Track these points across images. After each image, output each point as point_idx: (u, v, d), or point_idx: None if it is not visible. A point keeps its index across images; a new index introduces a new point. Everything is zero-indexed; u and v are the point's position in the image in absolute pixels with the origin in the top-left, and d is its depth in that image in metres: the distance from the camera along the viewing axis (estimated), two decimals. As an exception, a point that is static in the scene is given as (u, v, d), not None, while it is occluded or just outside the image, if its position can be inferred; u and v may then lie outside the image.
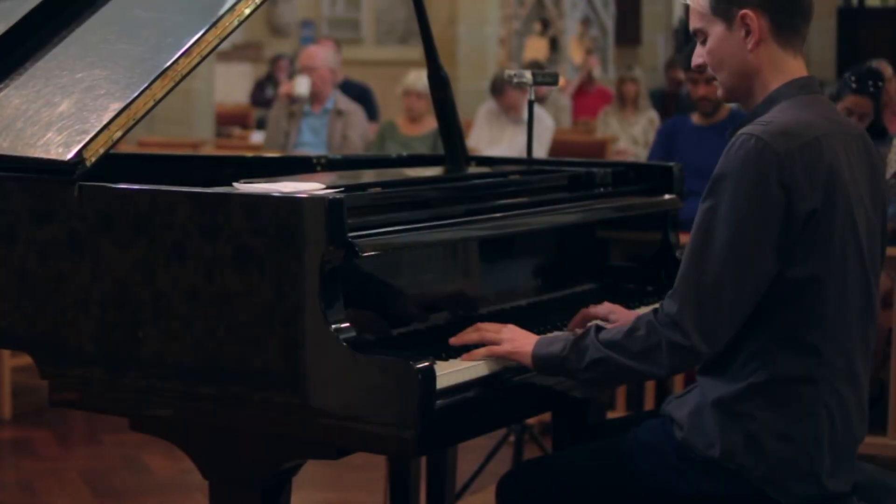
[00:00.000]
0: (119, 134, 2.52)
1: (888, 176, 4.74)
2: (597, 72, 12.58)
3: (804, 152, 2.32)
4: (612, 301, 2.74)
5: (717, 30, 2.44)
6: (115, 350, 2.44)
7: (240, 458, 2.38)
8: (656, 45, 17.62)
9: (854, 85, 5.13)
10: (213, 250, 2.33)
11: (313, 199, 2.26)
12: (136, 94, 2.52)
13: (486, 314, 2.65)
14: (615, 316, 2.68)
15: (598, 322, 2.65)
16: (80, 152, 2.47)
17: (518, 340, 2.44)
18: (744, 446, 2.37)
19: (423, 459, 3.38)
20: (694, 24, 2.49)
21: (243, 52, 15.87)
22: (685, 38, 14.84)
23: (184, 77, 2.58)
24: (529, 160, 3.27)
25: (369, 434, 2.22)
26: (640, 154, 8.44)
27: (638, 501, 2.50)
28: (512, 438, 4.42)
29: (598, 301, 2.73)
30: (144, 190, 2.44)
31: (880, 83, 5.24)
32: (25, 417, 5.56)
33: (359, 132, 7.29)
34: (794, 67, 2.45)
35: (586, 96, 11.57)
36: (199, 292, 2.35)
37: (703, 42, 2.48)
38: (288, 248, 2.27)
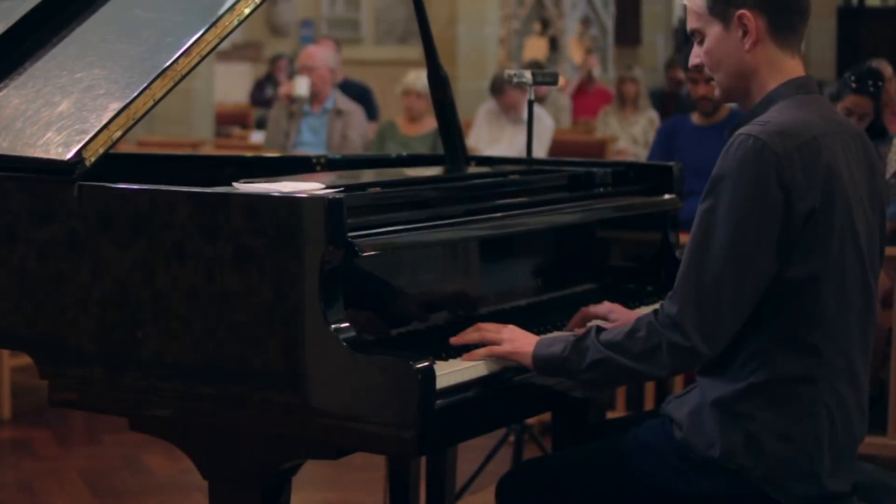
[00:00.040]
0: (119, 134, 2.52)
1: (888, 175, 4.74)
2: (597, 71, 12.58)
3: (802, 152, 2.32)
4: (612, 301, 2.74)
5: (714, 30, 2.44)
6: (115, 350, 2.44)
7: (239, 458, 2.38)
8: (656, 44, 17.62)
9: (854, 85, 5.13)
10: (212, 250, 2.33)
11: (313, 199, 2.26)
12: (135, 94, 2.52)
13: (485, 314, 2.65)
14: (615, 315, 2.68)
15: (598, 322, 2.65)
16: (79, 152, 2.47)
17: (518, 341, 2.44)
18: (744, 446, 2.37)
19: (423, 459, 3.37)
20: (691, 24, 2.49)
21: (243, 51, 15.87)
22: (685, 38, 14.79)
23: (183, 77, 2.58)
24: (529, 160, 3.27)
25: (369, 434, 2.22)
26: (639, 154, 8.44)
27: (638, 501, 2.50)
28: (512, 438, 4.41)
29: (598, 301, 2.73)
30: (144, 190, 2.44)
31: (880, 83, 5.24)
32: (25, 417, 5.56)
33: (358, 132, 7.29)
34: (791, 67, 2.45)
35: (586, 96, 11.57)
36: (199, 292, 2.35)
37: (701, 42, 2.48)
38: (288, 248, 2.27)
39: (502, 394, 2.45)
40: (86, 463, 4.99)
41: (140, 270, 2.41)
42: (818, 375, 2.36)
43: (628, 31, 17.01)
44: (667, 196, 3.20)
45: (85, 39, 2.77)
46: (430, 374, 2.18)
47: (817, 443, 2.37)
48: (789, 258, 2.32)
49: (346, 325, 2.24)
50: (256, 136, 8.93)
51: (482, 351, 2.43)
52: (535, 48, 14.03)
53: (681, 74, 9.09)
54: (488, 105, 7.99)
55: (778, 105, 2.41)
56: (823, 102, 2.49)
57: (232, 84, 14.69)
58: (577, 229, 3.00)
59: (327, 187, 2.42)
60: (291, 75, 9.66)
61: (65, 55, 2.74)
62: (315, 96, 7.29)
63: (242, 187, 2.43)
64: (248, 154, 5.72)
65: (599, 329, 2.41)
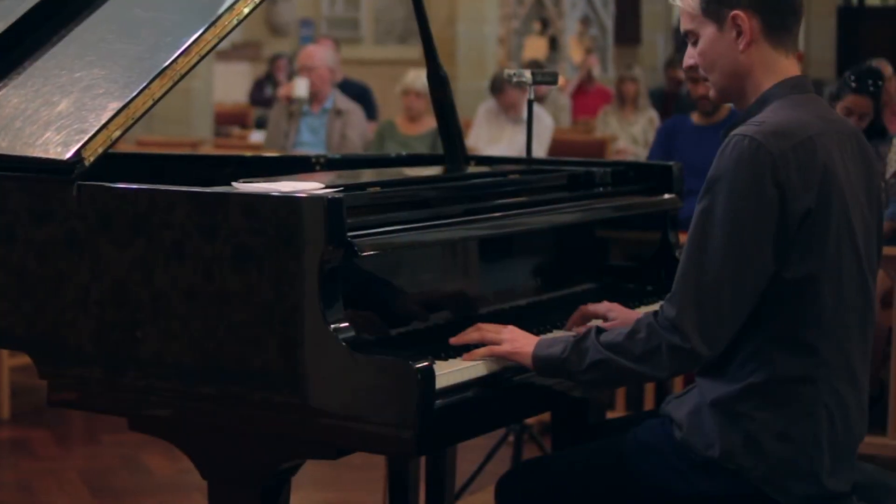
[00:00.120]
0: (118, 133, 2.51)
1: (888, 175, 4.74)
2: (596, 71, 12.58)
3: (798, 152, 2.32)
4: (612, 301, 2.74)
5: (708, 31, 2.44)
6: (114, 350, 2.44)
7: (239, 458, 2.37)
8: (656, 44, 17.62)
9: (854, 84, 5.13)
10: (211, 250, 2.33)
11: (312, 199, 2.26)
12: (134, 94, 2.52)
13: (485, 314, 2.65)
14: (614, 314, 2.68)
15: (598, 322, 2.65)
16: (78, 152, 2.47)
17: (518, 341, 2.44)
18: (743, 446, 2.37)
19: (423, 459, 3.37)
20: (685, 25, 2.49)
21: (242, 51, 15.86)
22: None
23: (183, 76, 2.58)
24: (529, 159, 3.27)
25: (368, 434, 2.22)
26: (639, 153, 8.43)
27: (637, 501, 2.50)
28: (511, 438, 4.42)
29: (598, 301, 2.73)
30: (143, 189, 2.43)
31: (880, 82, 5.24)
32: (24, 417, 5.55)
33: (358, 131, 7.28)
34: (786, 67, 2.45)
35: (586, 96, 11.57)
36: (198, 292, 2.34)
37: (695, 43, 2.48)
38: (287, 248, 2.27)
39: (502, 394, 2.44)
40: (85, 463, 4.99)
41: (139, 270, 2.40)
42: (817, 375, 2.36)
43: (628, 30, 17.02)
44: (666, 196, 3.19)
45: (84, 39, 2.77)
46: (429, 373, 2.18)
47: (817, 443, 2.37)
48: (786, 258, 2.32)
49: (346, 324, 2.24)
50: (256, 136, 8.93)
51: (482, 351, 2.43)
52: (535, 48, 14.04)
53: (681, 74, 9.09)
54: (488, 105, 7.99)
55: (773, 105, 2.41)
56: (819, 102, 2.49)
57: (231, 84, 14.69)
58: (577, 229, 3.00)
59: (327, 187, 2.42)
60: (291, 75, 9.66)
61: (64, 54, 2.74)
62: (314, 96, 7.29)
63: (242, 187, 2.43)
64: (248, 154, 5.72)
65: (599, 330, 2.41)
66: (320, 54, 7.51)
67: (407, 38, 15.06)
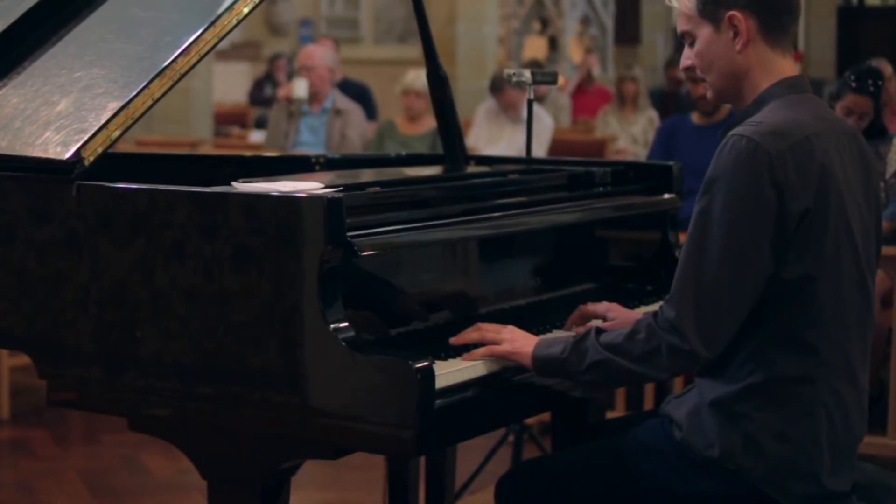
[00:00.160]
0: (117, 133, 2.51)
1: (888, 175, 4.74)
2: (596, 71, 12.57)
3: (795, 152, 2.32)
4: (612, 300, 2.74)
5: (704, 32, 2.44)
6: (114, 350, 2.44)
7: (239, 458, 2.37)
8: (656, 44, 17.62)
9: (854, 84, 5.13)
10: (211, 250, 2.33)
11: (312, 199, 2.26)
12: (134, 94, 2.52)
13: (485, 314, 2.65)
14: (613, 314, 2.68)
15: (598, 322, 2.65)
16: (78, 151, 2.47)
17: (518, 341, 2.44)
18: (743, 447, 2.37)
19: (423, 459, 3.37)
20: (681, 26, 2.49)
21: (242, 51, 15.86)
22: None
23: (182, 76, 2.58)
24: (528, 159, 3.27)
25: (368, 434, 2.22)
26: (639, 153, 8.43)
27: (637, 501, 2.50)
28: (511, 438, 4.41)
29: (598, 301, 2.73)
30: (143, 189, 2.43)
31: (880, 82, 5.24)
32: (24, 417, 5.55)
33: (357, 131, 7.28)
34: (783, 67, 2.44)
35: (586, 95, 11.57)
36: (198, 292, 2.34)
37: (692, 44, 2.48)
38: (287, 248, 2.27)
39: (502, 394, 2.44)
40: (84, 463, 4.98)
41: (139, 270, 2.40)
42: (816, 375, 2.36)
43: (628, 30, 17.02)
44: (666, 195, 3.19)
45: (84, 38, 2.77)
46: (429, 373, 2.18)
47: (816, 442, 2.37)
48: (785, 258, 2.32)
49: (345, 324, 2.24)
50: (255, 136, 8.93)
51: (482, 351, 2.43)
52: (535, 47, 14.04)
53: (680, 74, 9.08)
54: (488, 104, 7.99)
55: (770, 105, 2.41)
56: (816, 101, 2.49)
57: (231, 83, 14.69)
58: (577, 229, 3.00)
59: (326, 187, 2.42)
60: (290, 75, 9.66)
61: (64, 54, 2.74)
62: (314, 96, 7.29)
63: (241, 187, 2.42)
64: (247, 153, 5.72)
65: (599, 330, 2.41)
66: (320, 54, 7.51)
67: (407, 37, 15.05)
